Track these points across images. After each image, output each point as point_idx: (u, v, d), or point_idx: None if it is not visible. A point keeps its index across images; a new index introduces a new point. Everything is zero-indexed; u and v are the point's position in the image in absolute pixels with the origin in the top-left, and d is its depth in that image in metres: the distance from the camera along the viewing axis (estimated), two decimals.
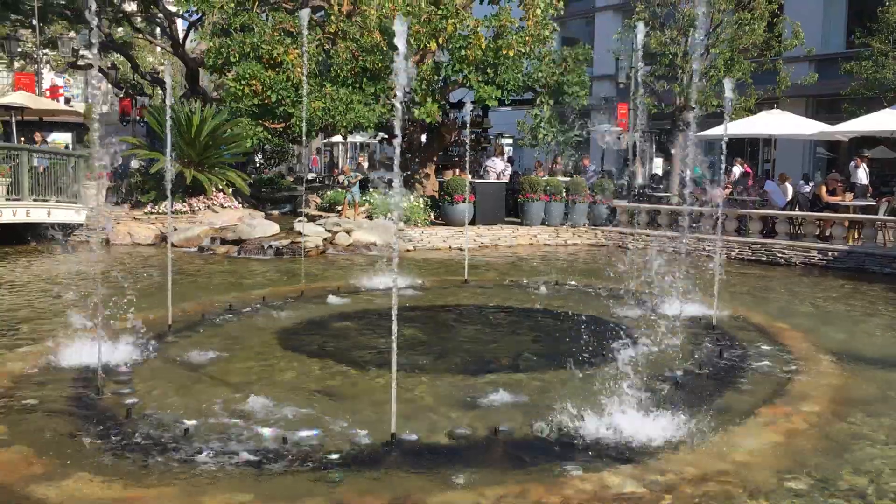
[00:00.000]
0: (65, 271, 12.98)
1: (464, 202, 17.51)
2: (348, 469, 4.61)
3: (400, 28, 4.90)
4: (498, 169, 19.56)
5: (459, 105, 21.30)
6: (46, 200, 16.33)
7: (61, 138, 25.39)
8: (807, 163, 25.82)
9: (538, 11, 18.23)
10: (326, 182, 27.97)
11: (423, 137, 20.94)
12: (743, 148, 27.61)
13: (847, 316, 10.24)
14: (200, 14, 23.09)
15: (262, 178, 24.97)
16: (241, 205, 18.66)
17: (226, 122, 18.13)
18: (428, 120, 18.42)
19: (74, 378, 6.36)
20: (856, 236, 15.28)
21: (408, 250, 16.21)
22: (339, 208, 18.05)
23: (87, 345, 7.32)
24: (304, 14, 13.97)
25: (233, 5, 18.78)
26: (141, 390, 6.07)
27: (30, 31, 29.83)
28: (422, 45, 17.99)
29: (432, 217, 18.05)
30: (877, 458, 4.97)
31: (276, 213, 20.13)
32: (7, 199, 15.57)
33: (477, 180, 18.83)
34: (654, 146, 26.01)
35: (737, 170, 21.23)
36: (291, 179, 28.23)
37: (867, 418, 5.78)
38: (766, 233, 16.17)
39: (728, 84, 9.31)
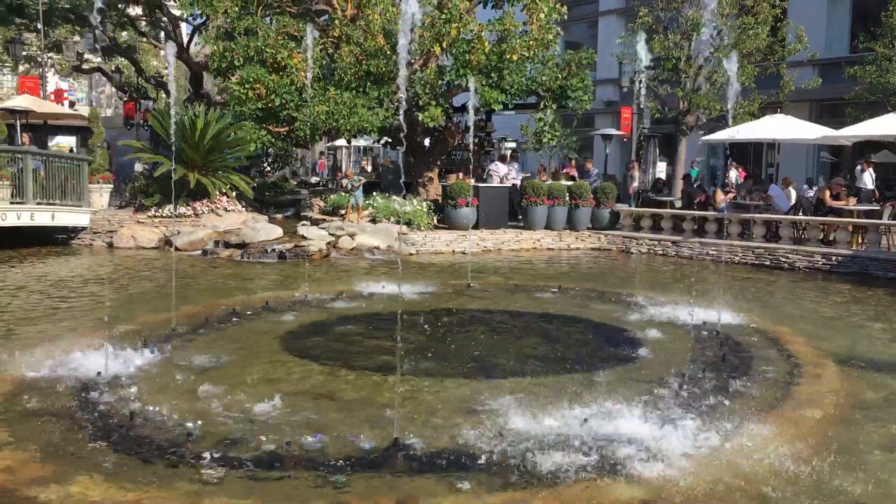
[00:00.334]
0: (69, 275, 13.01)
1: (467, 206, 17.53)
2: (351, 473, 4.61)
3: (404, 42, 4.90)
4: (501, 173, 19.58)
5: (463, 109, 21.36)
6: (51, 204, 16.37)
7: (65, 142, 25.48)
8: (810, 167, 25.79)
9: (542, 16, 18.26)
10: (330, 186, 28.01)
11: (427, 141, 20.97)
12: (747, 152, 27.61)
13: (851, 321, 10.22)
14: (204, 18, 23.15)
15: (266, 181, 25.00)
16: (244, 208, 18.69)
17: (229, 125, 18.16)
18: (431, 124, 18.44)
19: (78, 381, 6.36)
20: (860, 241, 15.26)
21: (411, 254, 16.23)
22: (343, 212, 18.07)
23: (91, 348, 7.34)
24: (309, 33, 13.98)
25: (237, 9, 18.84)
26: (145, 393, 6.07)
27: (34, 34, 29.93)
28: (425, 50, 18.02)
29: (435, 221, 18.06)
30: (883, 465, 4.96)
31: (279, 216, 20.16)
32: (11, 203, 15.61)
33: (480, 184, 18.85)
34: (657, 150, 25.97)
35: (733, 174, 21.24)
36: (295, 183, 28.28)
37: (872, 424, 5.76)
38: (769, 237, 16.16)
39: (732, 91, 9.30)
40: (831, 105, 24.39)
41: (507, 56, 17.91)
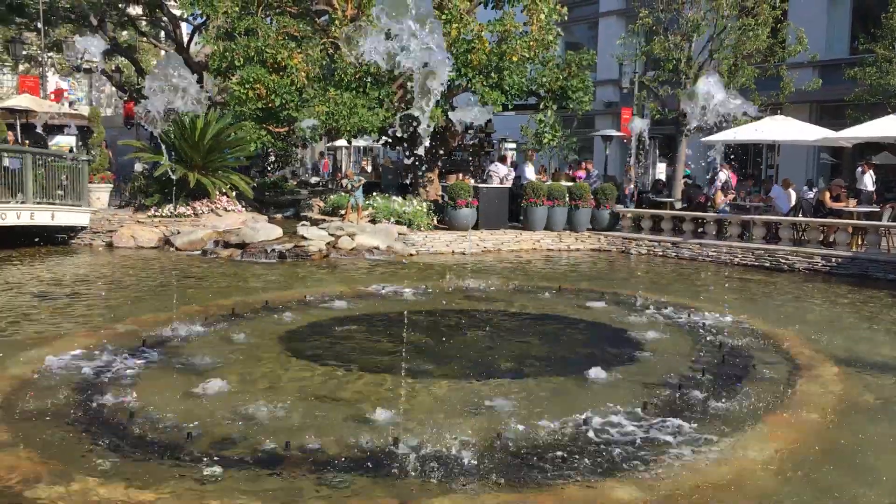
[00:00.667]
0: (69, 274, 13.00)
1: (467, 206, 17.54)
2: (351, 473, 4.61)
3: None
4: (501, 173, 19.58)
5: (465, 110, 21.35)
6: (51, 203, 16.36)
7: (65, 141, 25.45)
8: (810, 169, 25.79)
9: (542, 16, 18.26)
10: (330, 186, 28.01)
11: (427, 141, 20.94)
12: (747, 153, 27.62)
13: (851, 322, 10.23)
14: (205, 18, 23.14)
15: (266, 181, 25.01)
16: (244, 208, 18.69)
17: (229, 125, 18.16)
18: (432, 124, 18.43)
19: (77, 381, 6.36)
20: (859, 242, 15.26)
21: (411, 254, 16.23)
22: (343, 212, 18.07)
23: (89, 348, 7.34)
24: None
25: (237, 9, 18.83)
26: (144, 393, 6.06)
27: (34, 34, 29.92)
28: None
29: (435, 221, 18.06)
30: (881, 467, 4.96)
31: (279, 216, 20.16)
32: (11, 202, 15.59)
33: (480, 184, 18.86)
34: (657, 151, 26.00)
35: (722, 175, 21.21)
36: (295, 183, 28.28)
37: (871, 426, 5.76)
38: (769, 239, 16.15)
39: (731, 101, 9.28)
40: (831, 106, 24.39)
41: (508, 57, 17.91)
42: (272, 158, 27.30)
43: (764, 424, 5.61)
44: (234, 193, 18.67)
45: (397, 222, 17.37)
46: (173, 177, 15.64)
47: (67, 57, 29.65)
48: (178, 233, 16.40)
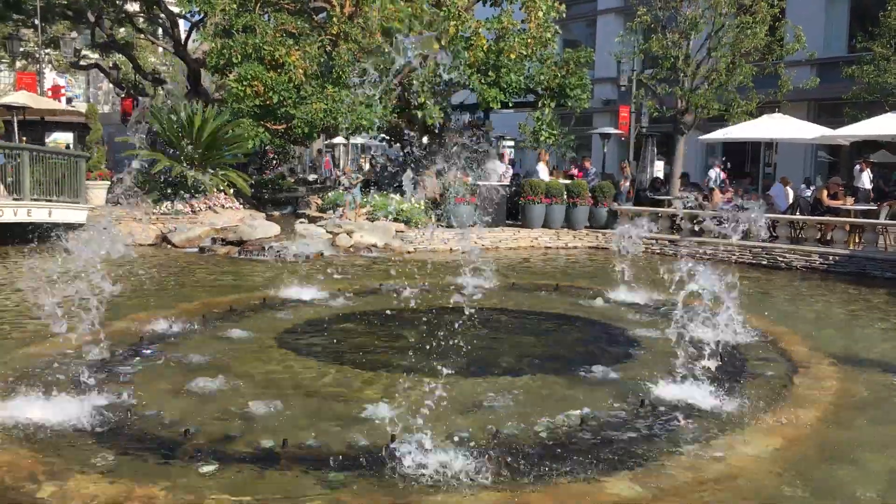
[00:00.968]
0: (65, 271, 12.97)
1: (465, 204, 17.53)
2: (348, 471, 4.60)
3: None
4: (499, 171, 19.58)
5: (462, 107, 21.35)
6: (48, 200, 16.33)
7: (63, 138, 25.43)
8: (808, 167, 25.81)
9: (540, 14, 18.27)
10: (327, 183, 27.97)
11: (425, 139, 20.96)
12: (745, 152, 27.64)
13: (848, 320, 10.25)
14: (202, 15, 23.10)
15: (264, 179, 24.97)
16: (242, 205, 18.66)
17: (227, 122, 18.14)
18: (430, 122, 18.44)
19: (74, 377, 6.35)
20: (857, 240, 15.28)
21: (409, 252, 16.22)
22: (341, 209, 18.06)
23: (86, 345, 7.32)
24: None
25: (235, 6, 18.80)
26: (141, 391, 6.06)
27: (32, 30, 29.84)
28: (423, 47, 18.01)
29: (433, 219, 18.04)
30: (877, 464, 4.97)
31: (277, 214, 20.13)
32: (8, 199, 15.57)
33: (478, 182, 18.85)
34: (654, 149, 25.99)
35: (713, 173, 21.23)
36: (293, 180, 28.24)
37: (868, 424, 5.77)
38: (766, 237, 16.16)
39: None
40: (829, 105, 24.40)
41: (506, 54, 17.90)
42: (270, 156, 27.28)
43: (761, 421, 5.62)
44: (231, 191, 18.65)
45: (395, 220, 17.36)
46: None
47: (64, 53, 29.59)
48: (176, 230, 16.39)
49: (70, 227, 16.94)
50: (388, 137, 22.08)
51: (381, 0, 18.59)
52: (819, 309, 11.10)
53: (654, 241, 17.47)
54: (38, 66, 30.08)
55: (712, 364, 7.18)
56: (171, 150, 18.02)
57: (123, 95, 32.40)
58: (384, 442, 4.95)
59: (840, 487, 4.58)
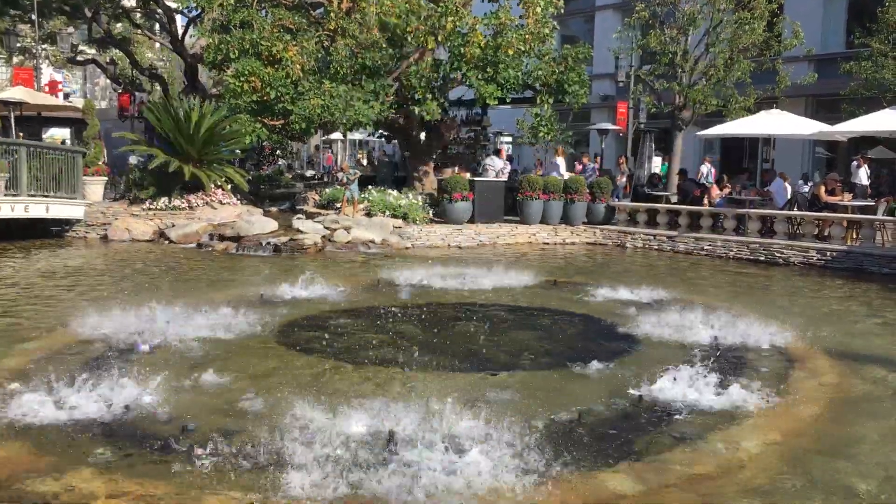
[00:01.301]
0: (63, 267, 12.97)
1: (463, 200, 17.53)
2: (348, 471, 4.59)
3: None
4: (497, 167, 19.57)
5: (460, 103, 21.32)
6: (46, 196, 16.31)
7: (59, 134, 25.36)
8: (806, 162, 25.81)
9: (538, 10, 18.22)
10: (325, 179, 27.95)
11: (423, 135, 20.93)
12: (742, 148, 27.63)
13: (845, 316, 10.26)
14: (200, 10, 23.03)
15: (261, 174, 24.94)
16: (239, 201, 18.64)
17: (225, 118, 18.10)
18: (427, 118, 18.42)
19: (72, 373, 6.34)
20: (854, 236, 15.30)
21: (406, 248, 16.22)
22: (338, 205, 18.06)
23: (83, 340, 7.32)
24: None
25: (232, 2, 18.75)
26: (140, 387, 6.05)
27: (29, 26, 29.75)
28: (421, 43, 17.98)
29: (431, 215, 18.05)
30: (875, 459, 4.98)
31: (274, 209, 20.12)
32: (5, 195, 15.54)
33: (476, 178, 18.85)
34: (652, 145, 25.97)
35: (704, 168, 21.21)
36: (290, 176, 28.22)
37: (865, 418, 5.79)
38: (764, 232, 16.18)
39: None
40: (827, 101, 24.40)
41: (503, 50, 17.87)
42: (267, 151, 27.25)
43: (759, 416, 5.63)
44: (229, 186, 18.63)
45: (393, 216, 17.36)
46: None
47: (61, 49, 29.48)
48: (173, 226, 16.37)
49: (67, 222, 16.98)
50: (385, 133, 22.05)
51: None
52: (816, 304, 11.11)
53: (652, 237, 17.48)
54: (34, 61, 29.97)
55: (711, 359, 7.19)
56: (169, 146, 17.96)
57: (120, 91, 32.30)
58: (383, 437, 4.95)
59: (837, 480, 4.59)
